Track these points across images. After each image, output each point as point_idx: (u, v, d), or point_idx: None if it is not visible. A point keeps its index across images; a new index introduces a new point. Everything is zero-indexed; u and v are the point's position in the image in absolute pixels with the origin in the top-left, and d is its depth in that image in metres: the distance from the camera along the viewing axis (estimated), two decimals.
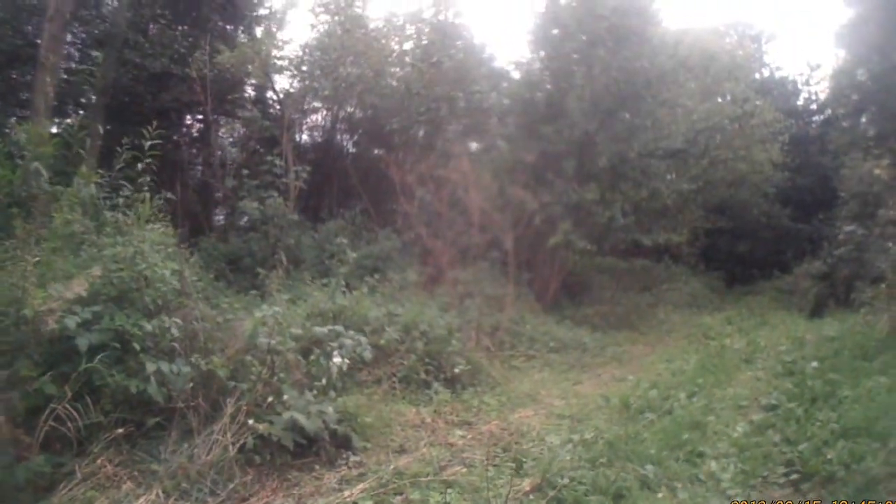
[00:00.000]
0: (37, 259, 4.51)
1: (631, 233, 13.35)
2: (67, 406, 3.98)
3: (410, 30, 14.03)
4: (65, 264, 4.62)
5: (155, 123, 5.66)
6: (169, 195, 5.79)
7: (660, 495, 4.42)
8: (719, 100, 19.78)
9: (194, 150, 11.44)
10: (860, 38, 14.75)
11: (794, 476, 4.80)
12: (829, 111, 23.09)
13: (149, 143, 5.42)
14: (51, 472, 3.86)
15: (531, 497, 4.33)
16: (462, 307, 9.29)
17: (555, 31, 13.45)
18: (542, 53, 13.78)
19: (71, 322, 4.14)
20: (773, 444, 5.43)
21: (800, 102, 26.86)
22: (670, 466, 4.94)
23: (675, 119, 14.80)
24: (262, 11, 13.27)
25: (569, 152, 12.30)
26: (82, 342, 4.16)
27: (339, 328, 6.18)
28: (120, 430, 4.19)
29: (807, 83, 27.05)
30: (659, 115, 13.50)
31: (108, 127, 7.98)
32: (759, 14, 48.53)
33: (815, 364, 8.11)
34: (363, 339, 6.24)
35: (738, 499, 4.45)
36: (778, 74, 28.04)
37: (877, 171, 14.94)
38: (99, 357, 4.21)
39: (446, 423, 6.20)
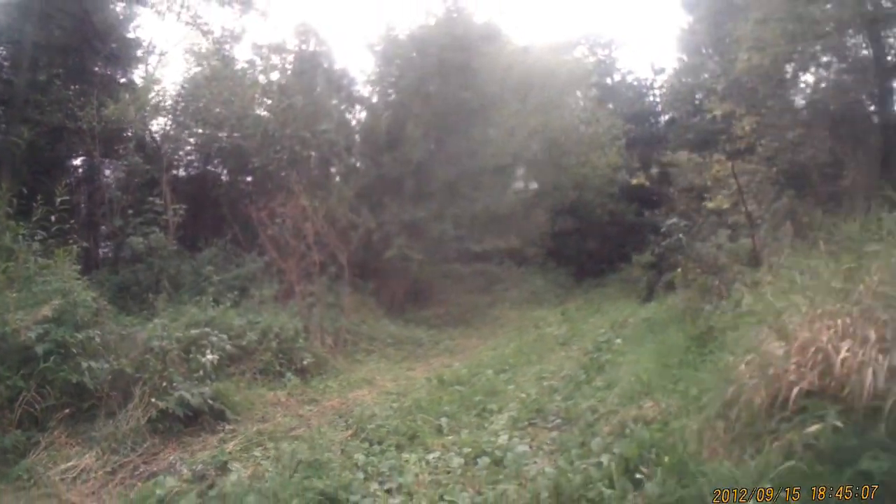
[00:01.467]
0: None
1: (463, 242, 16.81)
2: (33, 395, 6.57)
3: (276, 60, 16.67)
4: (23, 297, 7.20)
5: (53, 173, 8.32)
6: (84, 244, 8.49)
7: (448, 437, 7.51)
8: (560, 111, 23.54)
9: (84, 194, 13.64)
10: (697, 42, 18.30)
11: (558, 421, 7.23)
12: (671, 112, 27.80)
13: (59, 199, 8.06)
14: (24, 441, 6.39)
15: (350, 440, 7.38)
16: (310, 314, 12.10)
17: (390, 69, 16.81)
18: (379, 88, 17.18)
19: (32, 335, 6.69)
20: (551, 402, 8.06)
21: (645, 105, 31.77)
22: (462, 419, 7.78)
23: (507, 137, 18.20)
24: (141, 59, 15.81)
25: (406, 176, 15.63)
26: (39, 349, 6.66)
27: (208, 329, 9.12)
28: (67, 411, 6.69)
29: (651, 86, 32.01)
30: (489, 136, 16.87)
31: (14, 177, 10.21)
32: (613, 22, 54.52)
33: (619, 341, 10.93)
34: (225, 337, 9.30)
35: (505, 436, 6.75)
36: (629, 79, 32.86)
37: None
38: (51, 359, 6.75)
39: (297, 402, 9.03)
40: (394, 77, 17.07)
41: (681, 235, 11.54)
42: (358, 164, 16.78)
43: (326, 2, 34.52)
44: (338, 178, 16.42)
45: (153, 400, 7.29)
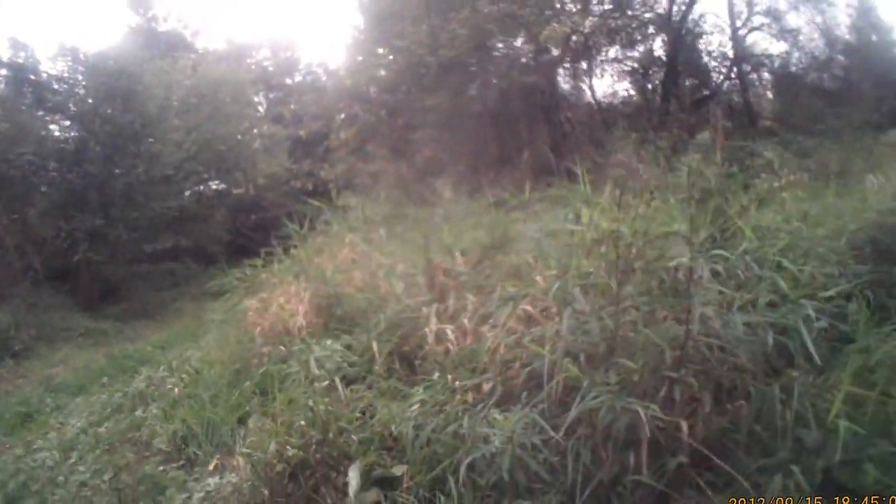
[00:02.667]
0: None
1: (138, 244, 20.13)
2: None
3: None
4: None
5: None
6: None
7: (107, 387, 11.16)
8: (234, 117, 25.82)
9: None
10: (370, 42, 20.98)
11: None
12: None
13: None
14: None
15: (44, 392, 10.69)
16: (17, 311, 15.20)
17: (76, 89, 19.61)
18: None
19: None
20: None
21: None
22: (118, 377, 11.44)
23: (175, 149, 21.11)
24: None
25: (90, 188, 18.51)
26: None
27: None
28: None
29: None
30: (155, 150, 19.85)
31: None
32: (297, 23, 57.92)
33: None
34: None
35: (143, 384, 10.01)
36: (308, 79, 34.46)
37: None
38: None
39: (12, 376, 12.42)
40: (76, 97, 19.56)
41: None
42: (57, 178, 18.77)
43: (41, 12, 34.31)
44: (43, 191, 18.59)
45: None
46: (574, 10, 16.93)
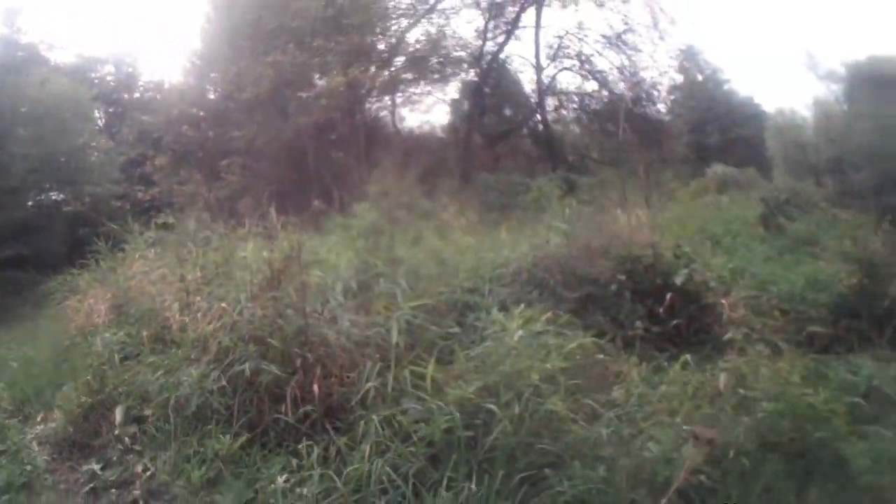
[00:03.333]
0: None
1: None
2: None
3: None
4: None
5: None
6: None
7: None
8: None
9: None
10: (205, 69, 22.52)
11: None
12: None
13: None
14: None
15: None
16: None
17: None
18: None
19: None
20: None
21: None
22: None
23: (21, 161, 22.61)
24: None
25: None
26: None
27: None
28: None
29: None
30: (3, 162, 21.44)
31: None
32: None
33: None
34: None
35: None
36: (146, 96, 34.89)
37: None
38: None
39: None
40: None
41: None
42: None
43: None
44: None
45: None
46: (385, 48, 18.88)
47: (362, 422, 5.29)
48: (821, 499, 3.89)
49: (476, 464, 4.70)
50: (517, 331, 5.34)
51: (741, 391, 4.57)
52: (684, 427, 4.41)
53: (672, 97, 38.88)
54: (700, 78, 38.82)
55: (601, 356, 5.48)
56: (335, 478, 4.96)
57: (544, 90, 21.01)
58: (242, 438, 5.86)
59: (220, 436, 5.91)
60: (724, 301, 6.22)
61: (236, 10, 20.57)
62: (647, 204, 8.29)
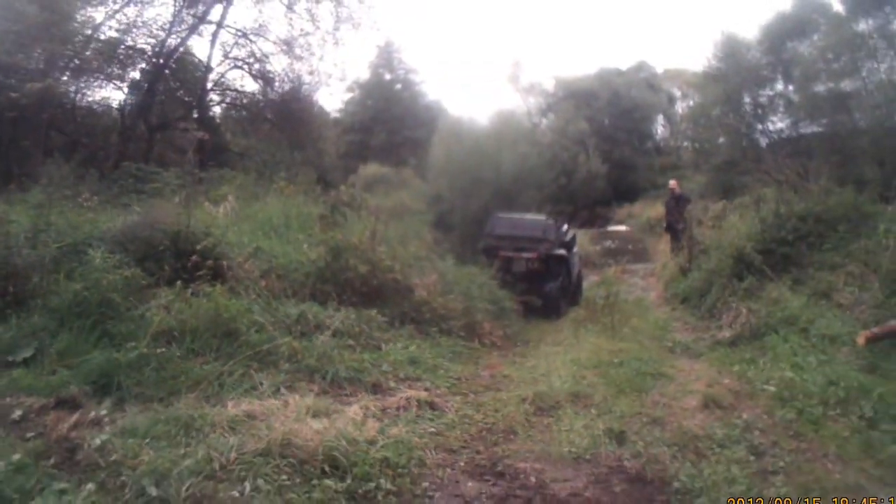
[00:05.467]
0: None
1: None
2: None
3: None
4: None
5: None
6: None
7: None
8: None
9: None
10: None
11: None
12: None
13: None
14: None
15: None
16: None
17: None
18: None
19: None
20: None
21: None
22: None
23: None
24: None
25: None
26: None
27: None
28: None
29: None
30: None
31: None
32: None
33: None
34: None
35: None
36: None
37: None
38: None
39: None
40: None
41: None
42: None
43: None
44: None
45: None
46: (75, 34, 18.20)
47: None
48: None
49: None
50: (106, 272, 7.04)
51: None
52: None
53: (351, 95, 42.08)
54: (388, 77, 42.28)
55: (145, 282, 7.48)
56: None
57: (212, 87, 21.74)
58: None
59: None
60: (240, 261, 8.70)
61: None
62: (187, 201, 9.75)
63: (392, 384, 7.20)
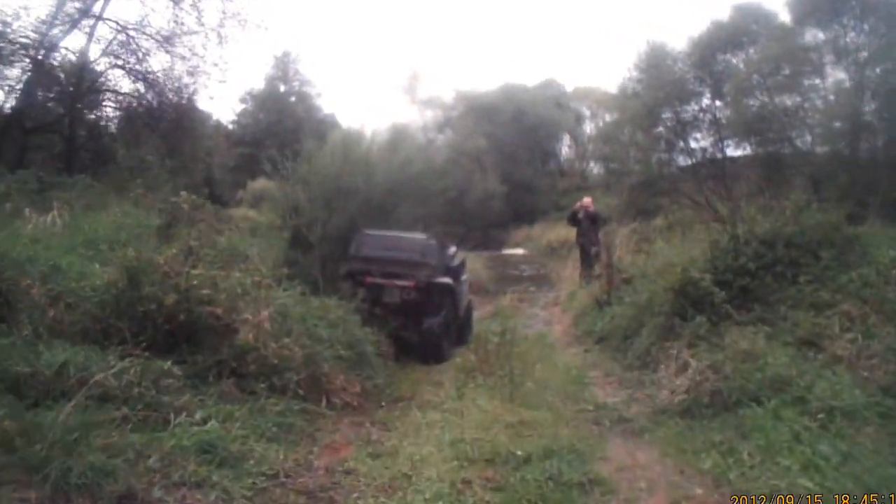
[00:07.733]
0: None
1: None
2: None
3: None
4: None
5: None
6: None
7: None
8: None
9: None
10: None
11: None
12: None
13: None
14: None
15: None
16: None
17: None
18: None
19: None
20: None
21: None
22: None
23: None
24: None
25: None
26: None
27: None
28: None
29: None
30: None
31: None
32: None
33: None
34: None
35: None
36: None
37: None
38: None
39: None
40: None
41: None
42: None
43: None
44: None
45: None
46: None
47: None
48: None
49: None
50: None
51: None
52: None
53: (244, 106, 40.67)
54: (283, 89, 41.14)
55: None
56: None
57: (90, 87, 18.84)
58: None
59: None
60: (27, 283, 6.40)
61: None
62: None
63: (157, 494, 4.18)
